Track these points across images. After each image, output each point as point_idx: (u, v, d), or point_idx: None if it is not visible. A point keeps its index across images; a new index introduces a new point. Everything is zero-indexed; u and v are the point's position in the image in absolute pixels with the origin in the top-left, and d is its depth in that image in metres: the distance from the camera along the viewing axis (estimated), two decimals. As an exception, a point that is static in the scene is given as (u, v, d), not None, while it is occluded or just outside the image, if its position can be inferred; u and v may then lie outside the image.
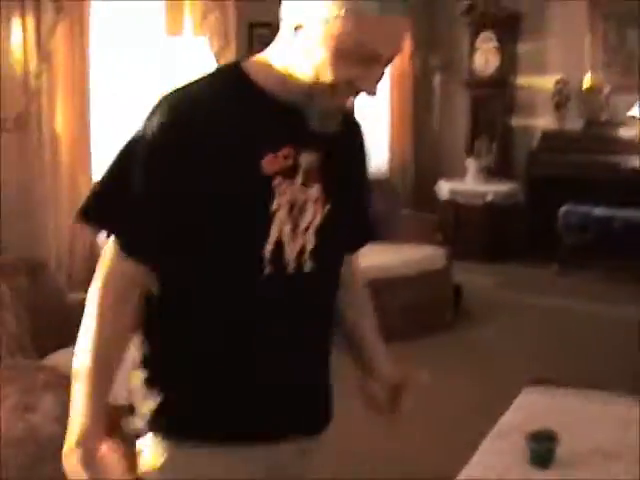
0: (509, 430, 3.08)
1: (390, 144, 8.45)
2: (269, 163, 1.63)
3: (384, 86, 8.27)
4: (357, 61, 1.55)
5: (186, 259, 1.67)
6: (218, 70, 1.88)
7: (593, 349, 5.70)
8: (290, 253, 1.69)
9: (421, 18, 8.43)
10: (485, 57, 8.60)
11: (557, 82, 8.34)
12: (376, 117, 8.25)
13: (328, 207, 1.74)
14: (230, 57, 5.91)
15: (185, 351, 1.73)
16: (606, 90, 8.20)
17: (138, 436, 1.79)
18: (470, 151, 8.66)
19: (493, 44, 8.55)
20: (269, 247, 1.65)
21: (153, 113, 1.68)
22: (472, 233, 8.06)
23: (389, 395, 1.96)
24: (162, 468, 1.73)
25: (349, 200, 1.83)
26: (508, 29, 8.59)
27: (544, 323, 6.32)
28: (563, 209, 7.62)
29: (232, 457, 1.72)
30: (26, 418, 3.16)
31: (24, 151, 4.65)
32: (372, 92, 1.62)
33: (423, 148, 8.81)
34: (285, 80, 1.64)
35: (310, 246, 1.72)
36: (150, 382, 1.75)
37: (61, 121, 4.81)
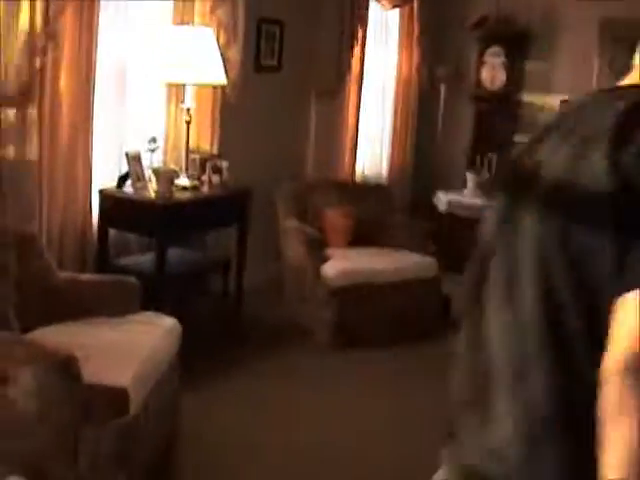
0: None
1: (391, 151, 8.46)
2: None
3: (389, 94, 8.31)
4: None
5: None
6: None
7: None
8: None
9: (430, 29, 8.47)
10: (492, 72, 8.59)
11: (562, 102, 8.34)
12: (380, 124, 8.29)
13: None
14: (236, 51, 5.92)
15: None
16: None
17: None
18: (471, 164, 8.66)
19: (501, 59, 8.53)
20: None
21: None
22: (466, 246, 8.00)
23: None
24: None
25: None
26: (517, 45, 8.57)
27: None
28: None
29: None
30: (2, 390, 3.15)
31: (25, 126, 4.65)
32: None
33: (424, 158, 8.82)
34: None
35: None
36: None
37: (64, 99, 4.80)
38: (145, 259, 5.17)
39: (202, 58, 5.22)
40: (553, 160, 1.53)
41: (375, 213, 6.70)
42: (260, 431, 4.32)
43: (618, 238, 1.35)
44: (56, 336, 3.74)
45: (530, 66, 8.68)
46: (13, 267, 3.92)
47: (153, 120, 5.66)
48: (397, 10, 8.13)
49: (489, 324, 1.64)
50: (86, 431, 3.24)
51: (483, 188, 8.34)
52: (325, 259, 5.83)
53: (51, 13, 4.52)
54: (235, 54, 5.92)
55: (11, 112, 4.58)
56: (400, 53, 8.33)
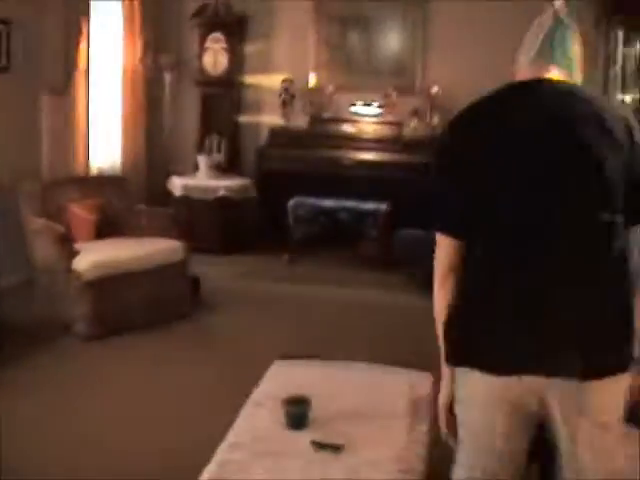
0: (265, 399, 3.36)
1: (123, 142, 8.52)
2: None
3: (116, 86, 8.37)
4: None
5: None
6: None
7: (325, 327, 6.18)
8: None
9: (151, 18, 8.61)
10: (214, 57, 8.87)
11: (283, 81, 8.75)
12: (108, 116, 8.34)
13: None
14: None
15: None
16: (329, 89, 8.73)
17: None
18: (201, 148, 8.90)
19: (222, 45, 8.84)
20: None
21: None
22: (206, 227, 8.29)
23: None
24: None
25: None
26: (236, 31, 8.90)
27: (278, 307, 6.71)
28: (291, 202, 8.00)
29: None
30: None
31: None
32: None
33: (155, 145, 8.95)
34: None
35: None
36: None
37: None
38: None
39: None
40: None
41: (116, 204, 6.80)
42: (31, 419, 4.36)
43: None
44: None
45: (250, 49, 9.04)
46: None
47: None
48: (119, 2, 8.22)
49: None
50: None
51: (215, 169, 8.61)
52: (75, 254, 5.88)
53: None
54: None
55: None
56: (124, 44, 8.41)
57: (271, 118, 8.96)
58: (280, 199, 8.05)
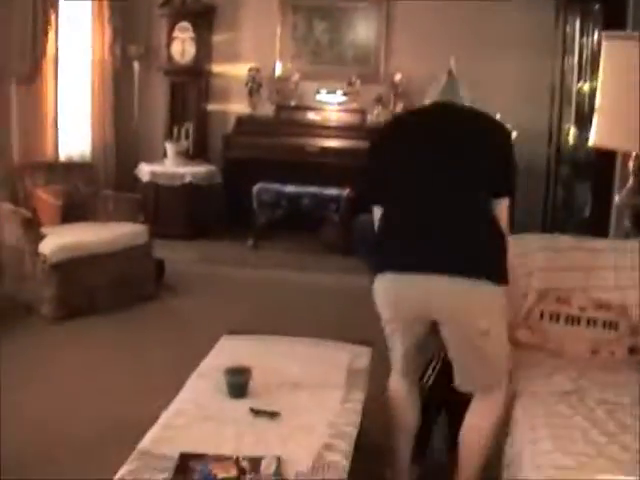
0: (209, 370, 3.55)
1: (92, 130, 8.66)
2: None
3: (85, 75, 8.52)
4: None
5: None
6: None
7: (281, 308, 6.43)
8: None
9: (119, 8, 8.75)
10: (182, 46, 9.01)
11: (250, 70, 8.91)
12: (78, 105, 8.48)
13: None
14: None
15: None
16: (295, 78, 8.91)
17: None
18: (169, 135, 9.06)
19: (189, 34, 8.98)
20: None
21: None
22: (173, 212, 8.48)
23: None
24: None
25: None
26: (204, 20, 9.05)
27: (240, 290, 6.93)
28: (256, 188, 8.19)
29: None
30: None
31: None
32: None
33: (124, 133, 9.09)
34: None
35: None
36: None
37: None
38: None
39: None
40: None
41: (84, 190, 6.97)
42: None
43: None
44: None
45: (217, 38, 9.20)
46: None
47: None
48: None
49: None
50: None
51: (182, 156, 8.78)
52: (41, 237, 6.05)
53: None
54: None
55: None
56: (92, 34, 8.55)
57: (238, 106, 9.13)
58: (246, 186, 8.26)
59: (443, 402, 3.86)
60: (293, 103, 8.95)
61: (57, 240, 6.06)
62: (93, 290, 6.21)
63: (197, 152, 9.03)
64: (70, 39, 8.21)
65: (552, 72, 8.22)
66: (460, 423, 3.49)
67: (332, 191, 8.11)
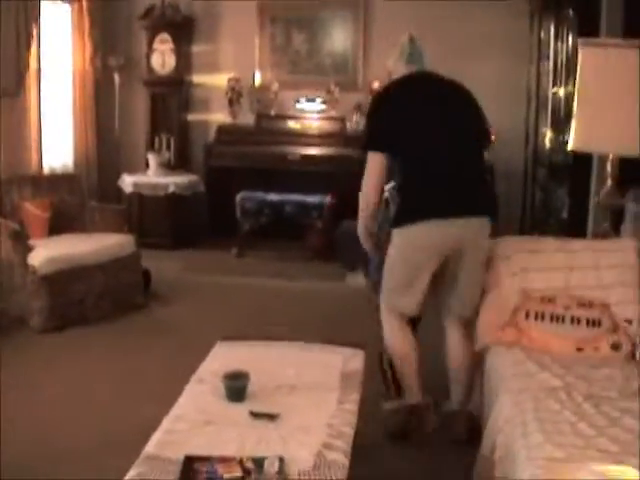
0: (207, 375, 3.64)
1: (74, 141, 8.74)
2: None
3: (66, 87, 8.58)
4: None
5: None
6: None
7: (270, 314, 6.54)
8: None
9: (101, 21, 8.84)
10: (162, 58, 9.11)
11: (230, 80, 9.02)
12: (60, 116, 8.55)
13: None
14: None
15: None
16: (274, 87, 9.02)
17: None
18: (151, 146, 9.14)
19: (169, 45, 9.08)
20: None
21: None
22: (157, 222, 8.56)
23: None
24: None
25: None
26: (183, 31, 9.16)
27: (227, 298, 7.02)
28: (239, 196, 8.28)
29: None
30: None
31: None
32: None
33: (106, 144, 9.18)
34: None
35: None
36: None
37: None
38: None
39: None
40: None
41: (69, 201, 7.05)
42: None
43: None
44: None
45: (197, 49, 9.31)
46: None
47: None
48: (68, 5, 8.44)
49: None
50: None
51: (164, 167, 8.86)
52: (30, 250, 6.12)
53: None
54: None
55: None
56: (73, 46, 8.63)
57: (219, 116, 9.23)
58: (228, 194, 8.35)
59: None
60: (273, 112, 9.05)
61: (46, 252, 6.13)
62: (82, 301, 6.29)
63: (179, 162, 9.12)
64: (51, 51, 8.27)
65: (528, 76, 8.38)
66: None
67: (314, 198, 8.23)
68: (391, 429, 4.35)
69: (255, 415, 3.24)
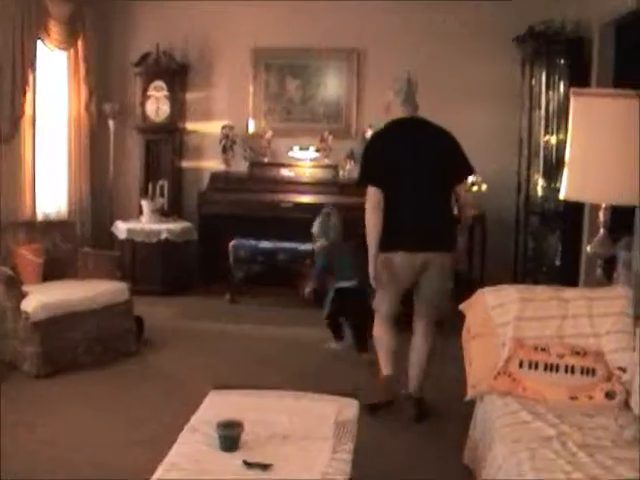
0: (200, 424, 3.62)
1: (68, 188, 8.80)
2: None
3: (61, 133, 8.63)
4: None
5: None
6: None
7: (262, 362, 6.52)
8: None
9: (96, 68, 8.91)
10: (157, 105, 9.19)
11: (223, 127, 9.08)
12: (54, 162, 8.58)
13: None
14: None
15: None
16: (268, 134, 9.07)
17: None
18: (144, 193, 9.16)
19: (164, 92, 9.16)
20: None
21: None
22: (150, 269, 8.57)
23: None
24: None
25: None
26: (178, 78, 9.24)
27: (219, 345, 7.01)
28: (232, 244, 8.30)
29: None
30: None
31: None
32: None
33: (100, 190, 9.24)
34: None
35: None
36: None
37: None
38: None
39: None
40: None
41: (63, 247, 7.05)
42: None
43: None
44: None
45: (191, 96, 9.38)
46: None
47: None
48: (64, 52, 8.51)
49: None
50: None
51: (158, 213, 8.87)
52: (23, 295, 6.11)
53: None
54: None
55: None
56: (69, 93, 8.70)
57: (212, 163, 9.29)
58: (221, 242, 8.36)
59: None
60: (266, 160, 9.11)
61: (39, 298, 6.12)
62: (75, 347, 6.26)
63: (172, 209, 9.13)
64: (46, 97, 8.33)
65: (520, 124, 8.44)
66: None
67: (307, 246, 8.23)
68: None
69: (248, 465, 3.22)
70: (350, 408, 3.95)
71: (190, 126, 9.43)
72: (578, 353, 4.05)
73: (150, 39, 9.11)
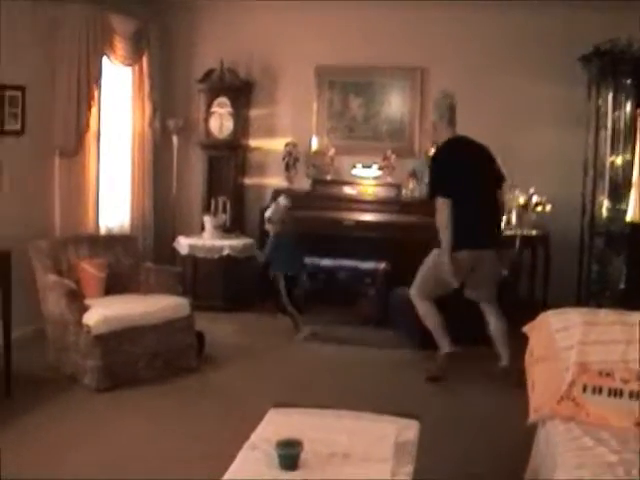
0: (260, 442, 3.61)
1: (132, 203, 8.90)
2: None
3: (125, 148, 8.73)
4: None
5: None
6: None
7: (321, 380, 6.50)
8: None
9: (160, 84, 9.01)
10: (220, 121, 9.24)
11: (287, 145, 9.11)
12: (117, 177, 8.69)
13: None
14: None
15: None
16: (331, 152, 9.07)
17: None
18: (207, 209, 9.20)
19: (227, 109, 9.21)
20: None
21: None
22: (212, 285, 8.60)
23: None
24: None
25: None
26: (241, 95, 9.30)
27: (279, 362, 7.03)
28: (294, 261, 8.29)
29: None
30: None
31: None
32: None
33: (163, 206, 9.32)
34: None
35: None
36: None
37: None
38: None
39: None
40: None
41: (125, 262, 7.11)
42: (37, 465, 4.58)
43: None
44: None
45: (255, 113, 9.42)
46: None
47: None
48: (129, 68, 8.62)
49: None
50: None
51: (220, 229, 8.91)
52: (85, 309, 6.16)
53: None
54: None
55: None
56: (133, 109, 8.81)
57: (275, 180, 9.31)
58: (283, 259, 8.33)
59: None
60: (329, 177, 9.11)
61: (101, 312, 6.17)
62: (135, 362, 6.30)
63: (234, 225, 9.16)
64: (111, 113, 8.45)
65: (585, 145, 8.33)
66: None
67: (368, 265, 8.22)
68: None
69: (307, 485, 3.21)
70: (410, 429, 3.91)
71: (253, 143, 9.47)
72: (644, 379, 3.96)
73: (214, 56, 9.18)
